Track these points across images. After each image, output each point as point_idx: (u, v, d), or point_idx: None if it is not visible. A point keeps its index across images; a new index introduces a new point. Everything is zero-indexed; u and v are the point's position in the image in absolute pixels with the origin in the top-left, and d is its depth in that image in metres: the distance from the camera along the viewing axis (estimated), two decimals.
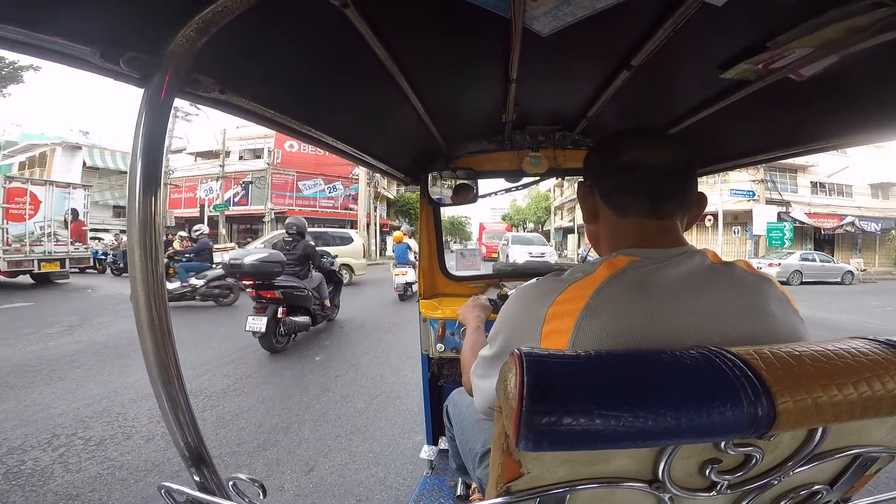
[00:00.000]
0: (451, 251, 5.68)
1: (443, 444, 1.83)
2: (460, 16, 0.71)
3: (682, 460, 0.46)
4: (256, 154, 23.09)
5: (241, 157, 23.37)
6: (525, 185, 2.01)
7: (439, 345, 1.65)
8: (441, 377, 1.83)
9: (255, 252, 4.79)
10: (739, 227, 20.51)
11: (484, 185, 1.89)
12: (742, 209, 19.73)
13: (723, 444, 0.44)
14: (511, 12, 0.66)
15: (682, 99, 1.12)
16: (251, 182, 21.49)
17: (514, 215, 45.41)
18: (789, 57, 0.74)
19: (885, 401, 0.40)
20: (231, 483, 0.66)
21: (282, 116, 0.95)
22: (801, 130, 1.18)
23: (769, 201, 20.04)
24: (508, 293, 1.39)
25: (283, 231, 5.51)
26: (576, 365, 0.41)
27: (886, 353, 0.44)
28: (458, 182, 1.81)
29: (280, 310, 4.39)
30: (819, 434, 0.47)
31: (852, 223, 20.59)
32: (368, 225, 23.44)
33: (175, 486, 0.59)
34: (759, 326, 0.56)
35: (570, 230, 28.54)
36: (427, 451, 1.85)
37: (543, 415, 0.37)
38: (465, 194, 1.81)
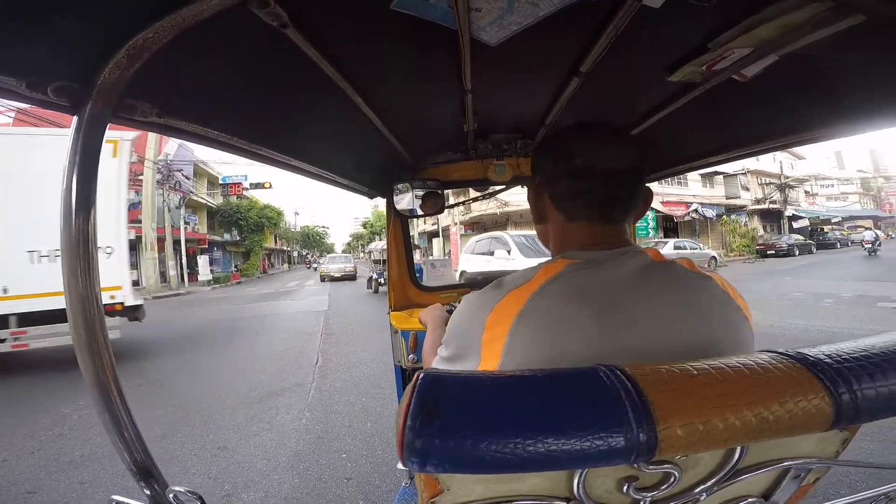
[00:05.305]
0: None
1: None
2: (408, 30, 0.70)
3: (599, 478, 0.45)
4: None
5: None
6: (492, 194, 2.01)
7: (411, 355, 1.63)
8: None
9: None
10: None
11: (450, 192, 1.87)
12: None
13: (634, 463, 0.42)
14: (457, 24, 0.66)
15: (635, 103, 1.13)
16: None
17: (376, 222, 42.10)
18: (730, 57, 0.74)
19: (782, 422, 0.37)
20: (172, 495, 0.66)
21: (227, 137, 0.94)
22: (752, 130, 1.21)
23: None
24: None
25: None
26: (469, 388, 0.39)
27: (791, 367, 0.40)
28: (425, 192, 1.79)
29: None
30: (738, 450, 0.45)
31: (696, 210, 22.57)
32: (162, 241, 17.76)
33: (125, 500, 0.61)
34: (696, 331, 0.54)
35: (434, 234, 27.51)
36: None
37: (423, 437, 0.35)
38: (432, 204, 1.79)
